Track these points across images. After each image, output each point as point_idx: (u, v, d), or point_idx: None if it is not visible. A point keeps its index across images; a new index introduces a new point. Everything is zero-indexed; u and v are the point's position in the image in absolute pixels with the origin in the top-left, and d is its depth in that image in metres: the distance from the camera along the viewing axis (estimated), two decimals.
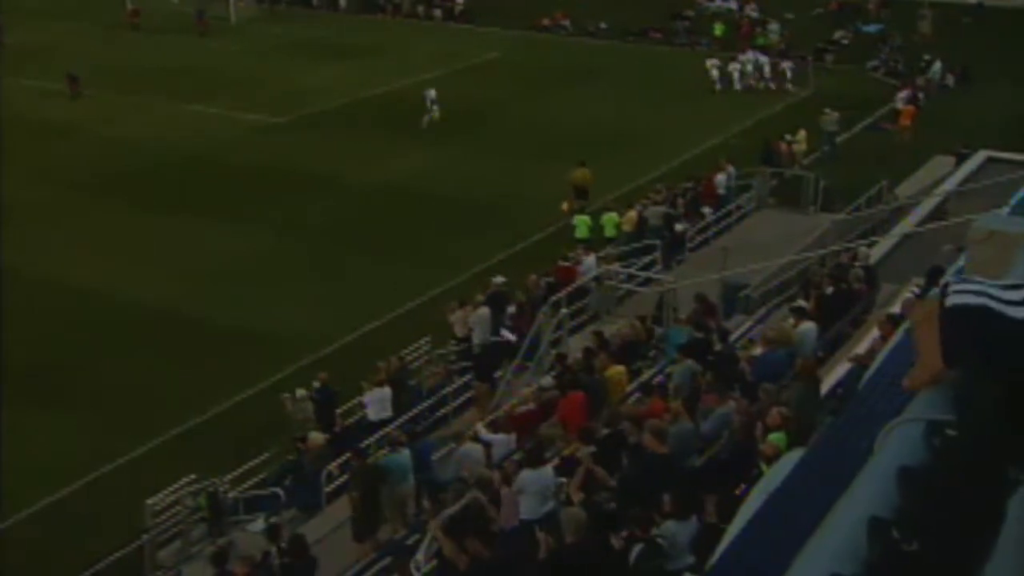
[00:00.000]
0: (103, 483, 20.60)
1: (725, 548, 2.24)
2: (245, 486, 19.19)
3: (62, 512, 19.81)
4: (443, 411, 20.93)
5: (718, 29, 56.81)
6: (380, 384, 20.35)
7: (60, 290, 28.34)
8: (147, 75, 49.94)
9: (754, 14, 60.81)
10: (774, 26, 56.60)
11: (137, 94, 46.86)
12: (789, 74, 48.73)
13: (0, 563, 18.50)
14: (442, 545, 12.22)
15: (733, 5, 63.43)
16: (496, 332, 22.83)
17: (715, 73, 48.03)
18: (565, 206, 31.97)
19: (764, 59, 49.90)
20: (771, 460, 9.81)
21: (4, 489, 20.20)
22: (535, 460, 13.08)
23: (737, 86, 48.38)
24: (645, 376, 18.90)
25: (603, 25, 60.10)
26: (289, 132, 42.76)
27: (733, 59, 49.70)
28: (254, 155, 39.62)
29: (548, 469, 13.07)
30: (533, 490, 12.50)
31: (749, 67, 49.20)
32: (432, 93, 43.47)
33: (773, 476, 2.47)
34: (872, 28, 57.71)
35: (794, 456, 2.55)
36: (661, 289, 22.92)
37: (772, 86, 48.61)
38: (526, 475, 12.81)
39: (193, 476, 18.87)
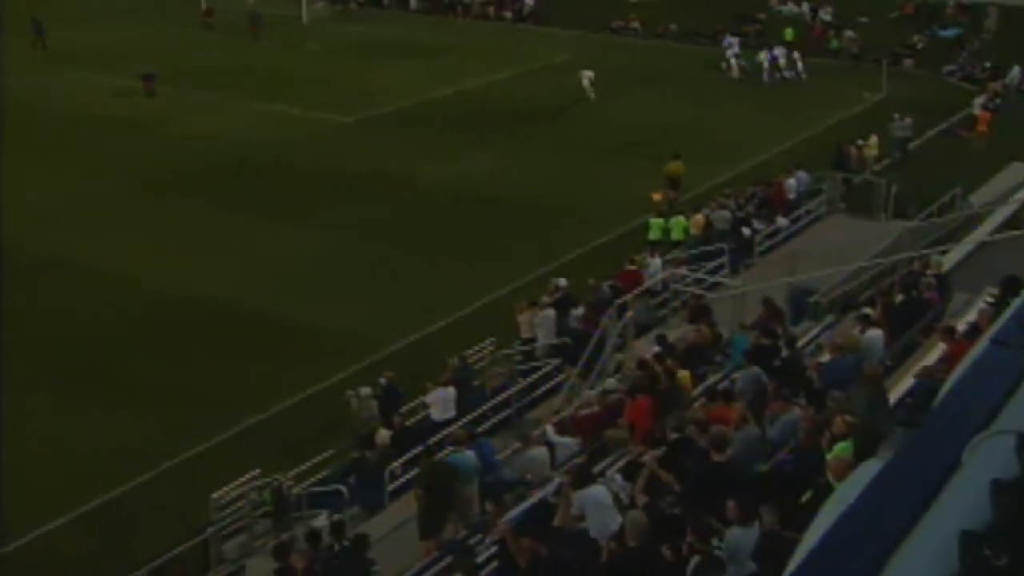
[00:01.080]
0: (169, 477, 20.86)
1: (802, 560, 2.19)
2: (309, 482, 19.31)
3: (129, 504, 20.08)
4: (507, 412, 20.89)
5: (789, 33, 56.24)
6: (444, 384, 20.39)
7: (126, 286, 28.76)
8: (220, 74, 50.62)
9: (827, 17, 60.12)
10: (849, 33, 55.90)
11: (210, 92, 47.48)
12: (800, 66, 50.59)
13: (68, 554, 18.83)
14: (510, 544, 12.19)
15: (806, 9, 62.75)
16: (561, 334, 22.80)
17: (586, 84, 48.12)
18: (658, 196, 32.46)
19: (781, 51, 51.36)
20: (837, 471, 9.64)
21: (72, 481, 20.62)
22: (585, 479, 12.74)
23: (765, 79, 50.22)
24: (710, 381, 18.73)
25: (673, 27, 59.78)
26: (358, 132, 43.04)
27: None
28: (323, 154, 39.94)
29: (601, 489, 12.74)
30: (593, 511, 12.23)
31: (765, 60, 50.95)
32: (589, 74, 47.06)
33: (849, 488, 2.42)
34: (949, 32, 56.79)
35: (870, 468, 2.49)
36: (726, 294, 22.73)
37: (788, 75, 50.31)
38: (580, 496, 12.50)
39: (258, 471, 19.02)
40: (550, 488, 12.96)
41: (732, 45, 52.97)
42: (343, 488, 18.62)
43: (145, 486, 20.59)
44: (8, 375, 24.33)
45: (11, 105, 44.80)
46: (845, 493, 2.44)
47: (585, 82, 47.41)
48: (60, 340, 25.97)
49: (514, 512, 12.77)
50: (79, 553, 18.82)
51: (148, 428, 22.54)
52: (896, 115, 38.29)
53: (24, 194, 35.30)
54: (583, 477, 12.68)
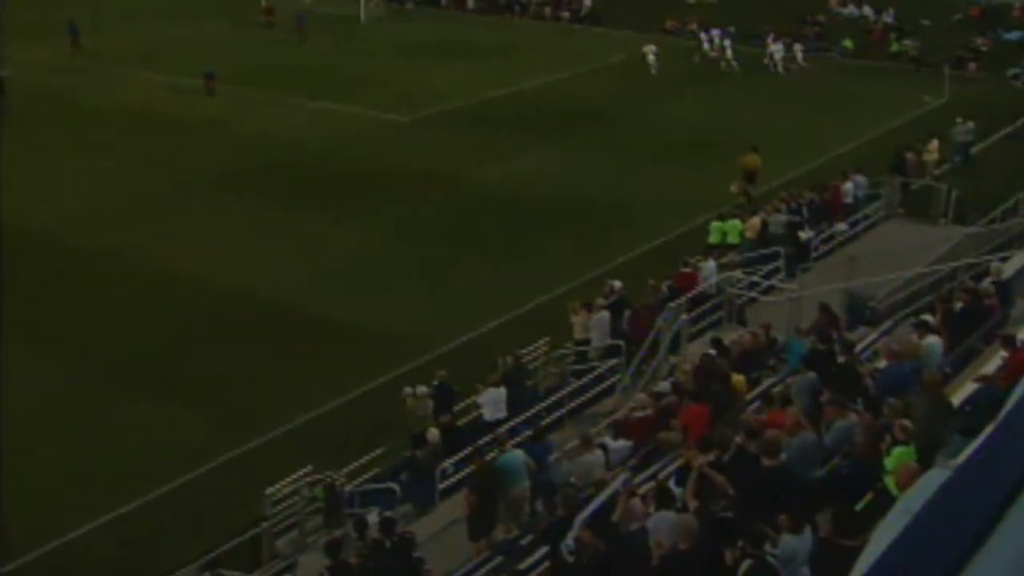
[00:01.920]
0: (224, 471, 21.05)
1: (868, 569, 2.15)
2: (361, 480, 19.39)
3: (183, 498, 20.29)
4: (560, 412, 20.84)
5: (849, 43, 55.75)
6: (495, 384, 20.39)
7: (183, 282, 29.05)
8: (278, 72, 51.02)
9: (889, 20, 59.42)
10: (908, 40, 55.22)
11: (268, 91, 47.85)
12: (780, 56, 53.14)
13: (123, 546, 19.06)
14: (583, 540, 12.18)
15: (867, 11, 62.03)
16: (615, 336, 22.72)
17: (651, 59, 52.27)
18: (734, 187, 33.16)
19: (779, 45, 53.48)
20: (902, 479, 9.50)
21: (128, 474, 20.86)
22: (666, 501, 12.60)
23: (779, 69, 52.64)
24: (765, 385, 18.58)
25: (732, 29, 59.36)
26: (413, 131, 43.19)
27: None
28: (379, 153, 40.13)
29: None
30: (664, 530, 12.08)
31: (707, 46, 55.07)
32: (653, 48, 50.94)
33: (914, 497, 2.37)
34: (1014, 35, 55.90)
35: (935, 477, 2.44)
36: (782, 297, 22.53)
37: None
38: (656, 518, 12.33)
39: (311, 467, 19.14)
40: (615, 485, 12.90)
41: (775, 43, 53.95)
42: (395, 486, 18.68)
43: (199, 480, 20.79)
44: (64, 370, 24.73)
45: (72, 103, 45.58)
46: (909, 503, 2.39)
47: (650, 57, 50.65)
48: (117, 336, 26.27)
49: (590, 509, 12.73)
50: (134, 546, 19.03)
51: (203, 423, 22.77)
52: (959, 119, 37.77)
53: (83, 190, 35.86)
54: (664, 498, 12.52)
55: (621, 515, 12.13)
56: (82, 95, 46.65)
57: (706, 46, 55.89)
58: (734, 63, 53.82)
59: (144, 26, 60.48)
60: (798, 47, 53.87)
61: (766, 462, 11.88)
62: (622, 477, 13.18)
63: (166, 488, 20.47)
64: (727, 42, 55.18)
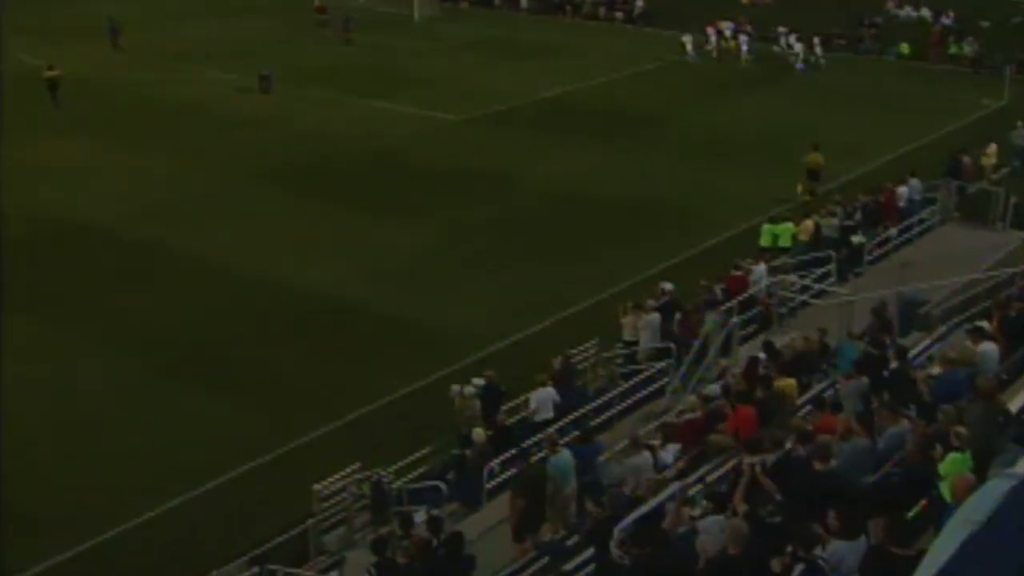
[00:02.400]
0: (274, 466, 21.23)
1: None
2: (409, 477, 19.45)
3: (232, 493, 20.47)
4: (609, 414, 20.77)
5: (905, 48, 55.13)
6: (544, 384, 20.36)
7: (237, 277, 29.39)
8: (332, 71, 51.36)
9: (948, 22, 58.63)
10: (967, 46, 54.48)
11: (322, 89, 48.17)
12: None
13: (172, 540, 19.25)
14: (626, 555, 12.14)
15: (926, 13, 61.23)
16: (665, 338, 22.61)
17: (688, 47, 54.94)
18: (800, 188, 33.86)
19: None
20: (959, 490, 9.34)
21: (177, 468, 21.07)
22: (720, 506, 12.52)
23: (799, 65, 53.37)
24: (816, 390, 18.41)
25: (784, 30, 58.86)
26: (466, 131, 43.26)
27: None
28: (431, 152, 40.24)
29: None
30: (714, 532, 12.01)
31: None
32: (690, 38, 53.77)
33: (974, 506, 2.32)
34: None
35: (996, 487, 2.39)
36: (834, 302, 22.30)
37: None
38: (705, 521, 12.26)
39: (359, 464, 19.23)
40: (666, 494, 12.78)
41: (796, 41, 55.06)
42: (441, 485, 18.71)
43: (248, 475, 20.97)
44: (118, 363, 25.03)
45: (128, 99, 46.15)
46: (970, 513, 2.35)
47: (688, 46, 52.56)
48: (172, 330, 26.58)
49: (630, 518, 12.65)
50: (182, 540, 19.22)
51: (253, 418, 22.97)
52: (1019, 123, 37.17)
53: (140, 186, 36.28)
54: (721, 505, 12.43)
55: (671, 524, 12.03)
56: (137, 92, 47.21)
57: (713, 40, 56.60)
58: (748, 57, 54.67)
59: (199, 24, 61.12)
60: (816, 41, 54.33)
61: (818, 466, 11.76)
62: (675, 486, 13.05)
63: (217, 481, 20.67)
64: (743, 37, 55.84)
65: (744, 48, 55.31)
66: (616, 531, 12.47)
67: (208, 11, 64.46)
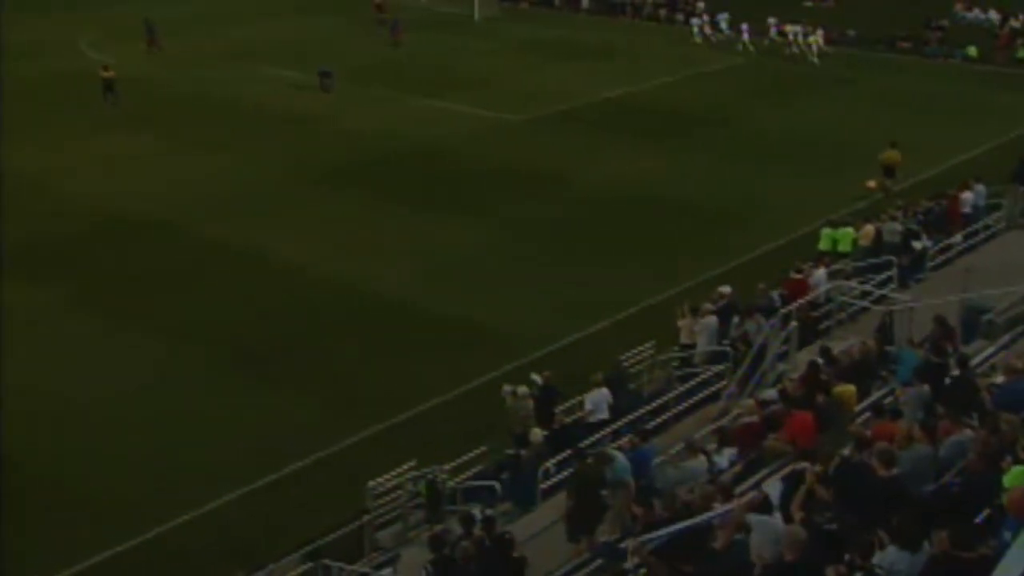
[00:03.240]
0: (329, 462, 21.38)
1: None
2: (463, 476, 19.49)
3: (289, 487, 20.65)
4: (663, 417, 20.68)
5: (972, 50, 54.34)
6: (599, 385, 20.31)
7: (293, 273, 29.65)
8: (393, 70, 51.66)
9: (1017, 24, 57.72)
10: None
11: (380, 88, 48.46)
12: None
13: (228, 532, 19.47)
14: (648, 567, 12.02)
15: (994, 16, 60.34)
16: (722, 342, 22.48)
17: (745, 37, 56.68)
18: (872, 184, 34.04)
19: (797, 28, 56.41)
20: (1009, 500, 9.22)
21: (234, 461, 21.29)
22: (764, 508, 12.37)
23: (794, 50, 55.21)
24: (875, 397, 18.19)
25: (850, 32, 58.32)
26: (524, 131, 43.29)
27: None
28: (489, 152, 40.34)
29: (777, 518, 12.37)
30: (765, 538, 11.86)
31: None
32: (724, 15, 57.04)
33: None
34: None
35: None
36: (892, 308, 22.00)
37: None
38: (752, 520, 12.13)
39: (414, 462, 19.31)
40: (715, 513, 12.60)
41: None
42: (496, 484, 18.73)
43: (304, 470, 21.14)
44: (179, 356, 25.35)
45: (191, 96, 46.70)
46: None
47: (695, 29, 56.85)
48: (232, 325, 26.87)
49: (659, 533, 12.52)
50: (238, 532, 19.42)
51: (309, 414, 23.16)
52: None
53: (201, 183, 36.69)
54: (763, 506, 12.31)
55: (723, 545, 11.88)
56: (198, 89, 47.77)
57: (696, 31, 59.55)
58: (748, 47, 56.77)
59: (261, 23, 61.69)
60: (820, 32, 55.77)
61: (882, 472, 11.61)
62: (725, 509, 12.84)
63: (274, 475, 20.87)
64: (744, 26, 57.96)
65: (745, 36, 57.28)
66: (643, 540, 12.32)
67: (271, 10, 65.07)
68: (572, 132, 42.88)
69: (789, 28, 56.86)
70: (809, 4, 65.22)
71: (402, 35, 57.61)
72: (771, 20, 58.27)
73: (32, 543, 18.98)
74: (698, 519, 12.45)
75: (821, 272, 24.63)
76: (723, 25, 60.35)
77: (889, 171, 34.66)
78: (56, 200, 34.58)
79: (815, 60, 54.66)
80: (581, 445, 18.26)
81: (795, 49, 55.54)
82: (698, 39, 59.27)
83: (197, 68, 51.60)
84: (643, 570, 12.29)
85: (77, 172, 37.14)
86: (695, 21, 60.80)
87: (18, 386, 23.63)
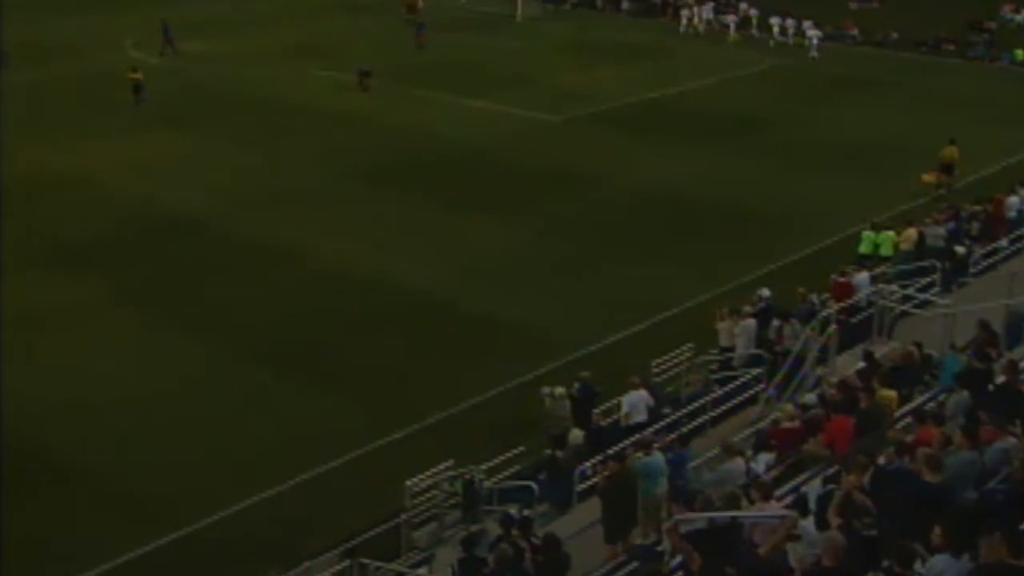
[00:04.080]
0: (366, 460, 21.41)
1: None
2: (500, 477, 19.48)
3: (327, 485, 20.70)
4: (701, 419, 20.58)
5: (1020, 53, 53.72)
6: (636, 387, 20.23)
7: (335, 273, 29.70)
8: (431, 69, 51.70)
9: None
10: None
11: (420, 88, 48.48)
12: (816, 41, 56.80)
13: (265, 528, 19.53)
14: (675, 548, 11.90)
15: None
16: (760, 345, 22.34)
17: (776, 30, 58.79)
18: (930, 178, 34.64)
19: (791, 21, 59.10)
20: None
21: (272, 458, 21.38)
22: (802, 511, 12.24)
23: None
24: (916, 402, 18.01)
25: (894, 35, 57.83)
26: (565, 131, 43.26)
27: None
28: (528, 152, 40.31)
29: (812, 522, 12.23)
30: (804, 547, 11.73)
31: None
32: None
33: None
34: None
35: None
36: (937, 312, 21.78)
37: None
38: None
39: (451, 462, 19.31)
40: (761, 514, 12.47)
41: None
42: (533, 485, 18.71)
43: (341, 468, 21.18)
44: (216, 356, 25.47)
45: (233, 95, 46.99)
46: None
47: (683, 20, 59.58)
48: (270, 324, 26.95)
49: (696, 516, 12.42)
50: (277, 529, 19.49)
51: (347, 412, 23.20)
52: None
53: (239, 181, 36.88)
54: (802, 508, 12.20)
55: (768, 552, 11.78)
56: (240, 88, 48.03)
57: (685, 22, 62.30)
58: (735, 36, 60.36)
59: (302, 23, 61.91)
60: (807, 25, 58.00)
61: (928, 477, 11.47)
62: (770, 511, 12.70)
63: (311, 474, 20.93)
64: (731, 17, 61.38)
65: (732, 28, 60.84)
66: (676, 520, 12.22)
67: (311, 9, 65.35)
68: (612, 133, 42.79)
69: (775, 20, 59.39)
70: (854, 6, 64.72)
71: (426, 38, 56.89)
72: (752, 11, 61.54)
73: (67, 538, 19.12)
74: (740, 514, 12.36)
75: (864, 276, 24.46)
76: (708, 15, 63.02)
77: (948, 168, 34.65)
78: (97, 198, 34.84)
79: (815, 55, 55.71)
80: (619, 447, 18.21)
81: (785, 39, 58.19)
82: (689, 31, 61.93)
83: (237, 67, 51.86)
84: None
85: (117, 170, 37.41)
86: (685, 13, 63.33)
87: (54, 382, 23.94)
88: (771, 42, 58.11)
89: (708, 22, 62.79)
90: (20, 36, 55.44)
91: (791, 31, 58.74)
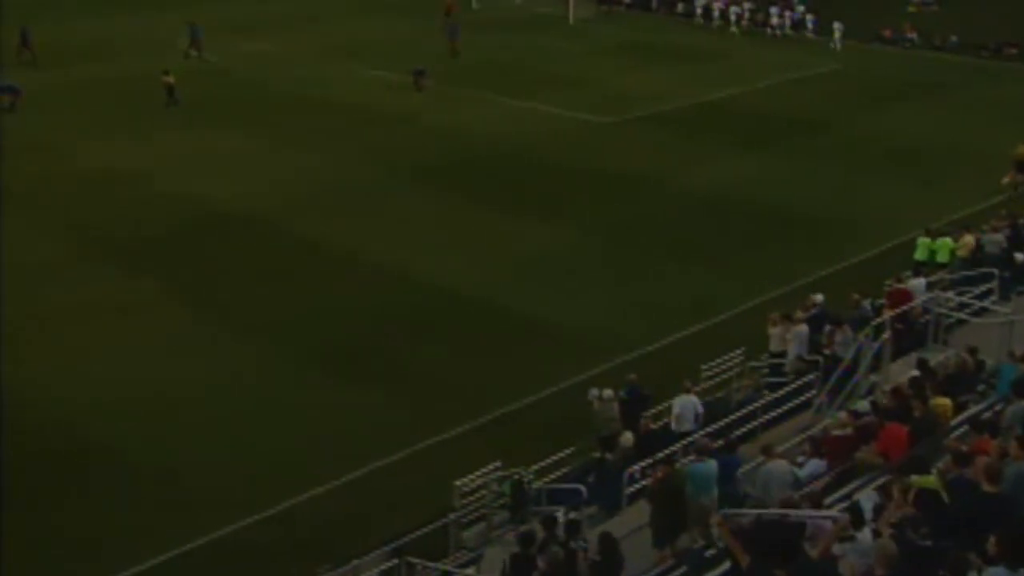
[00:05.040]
0: (414, 461, 21.44)
1: None
2: (549, 478, 19.46)
3: (372, 484, 20.77)
4: (752, 425, 20.44)
5: None
6: (687, 391, 20.13)
7: (383, 272, 29.80)
8: (483, 70, 51.81)
9: None
10: None
11: (471, 88, 48.61)
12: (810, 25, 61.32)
13: (312, 526, 19.64)
14: (727, 541, 11.80)
15: None
16: (813, 351, 22.15)
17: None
18: (1006, 179, 34.13)
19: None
20: None
21: (323, 456, 21.50)
22: (856, 521, 12.08)
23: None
24: (972, 411, 17.75)
25: (954, 39, 57.11)
26: (614, 133, 43.15)
27: None
28: (577, 153, 40.25)
29: (867, 533, 12.08)
30: (853, 555, 11.60)
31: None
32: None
33: None
34: None
35: None
36: (995, 320, 21.47)
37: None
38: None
39: (500, 463, 19.31)
40: (811, 514, 12.36)
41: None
42: (582, 487, 18.67)
43: (390, 467, 21.24)
44: (264, 353, 25.64)
45: (286, 94, 47.33)
46: None
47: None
48: (318, 322, 27.08)
49: (748, 512, 12.34)
50: (325, 527, 19.59)
51: (396, 411, 23.28)
52: None
53: (289, 180, 37.12)
54: (856, 518, 12.05)
55: (821, 554, 11.66)
56: (295, 89, 48.36)
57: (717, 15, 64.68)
58: (734, 29, 62.90)
59: (353, 23, 62.25)
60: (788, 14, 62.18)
61: (987, 488, 11.29)
62: (822, 514, 12.57)
63: (359, 472, 21.00)
64: (733, 9, 63.95)
65: (733, 19, 63.59)
66: (727, 514, 12.11)
67: (364, 9, 65.72)
68: (663, 135, 42.62)
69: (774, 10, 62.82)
70: (912, 9, 64.04)
71: (459, 43, 55.40)
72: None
73: (117, 533, 19.32)
74: (790, 512, 12.26)
75: (920, 282, 24.16)
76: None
77: (1021, 167, 34.22)
78: (152, 196, 35.18)
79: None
80: (669, 450, 18.13)
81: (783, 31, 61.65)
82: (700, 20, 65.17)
83: (288, 66, 52.26)
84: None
85: (172, 168, 37.78)
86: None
87: (109, 377, 24.22)
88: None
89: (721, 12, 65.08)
90: (82, 34, 56.58)
91: (787, 23, 62.46)
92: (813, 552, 11.10)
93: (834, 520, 11.76)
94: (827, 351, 21.74)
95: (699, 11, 65.96)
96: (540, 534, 15.17)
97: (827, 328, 22.55)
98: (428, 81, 48.26)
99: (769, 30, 62.49)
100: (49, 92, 45.91)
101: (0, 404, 19.64)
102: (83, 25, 59.27)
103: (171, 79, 45.19)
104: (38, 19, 54.49)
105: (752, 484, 16.14)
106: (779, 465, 15.84)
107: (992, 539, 9.78)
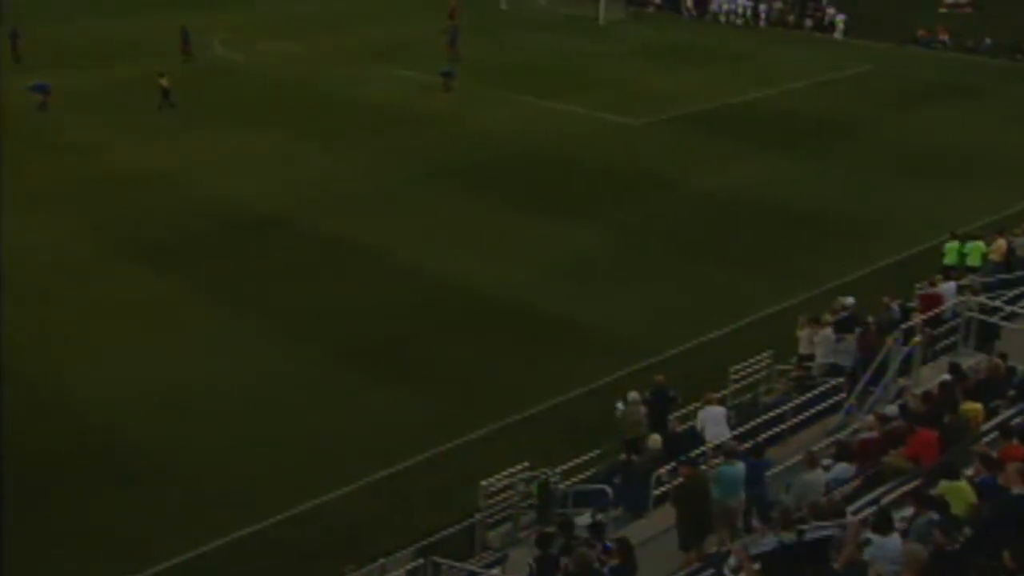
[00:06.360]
0: (441, 460, 21.49)
1: None
2: (575, 479, 19.43)
3: (399, 483, 20.82)
4: (780, 428, 20.31)
5: None
6: (710, 402, 19.88)
7: (411, 272, 29.90)
8: (512, 71, 51.79)
9: None
10: None
11: (500, 90, 48.61)
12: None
13: (339, 525, 19.70)
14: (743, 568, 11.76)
15: None
16: (841, 355, 21.99)
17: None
18: None
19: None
20: None
21: (350, 455, 21.55)
22: (884, 527, 11.96)
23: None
24: (1003, 416, 17.59)
25: (988, 41, 56.64)
26: (644, 134, 43.05)
27: None
28: (606, 155, 40.18)
29: (896, 538, 11.97)
30: (882, 561, 11.49)
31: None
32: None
33: None
34: None
35: None
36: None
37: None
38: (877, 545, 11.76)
39: (527, 464, 19.29)
40: (831, 523, 12.27)
41: None
42: (608, 489, 18.62)
43: (417, 467, 21.28)
44: (294, 351, 25.75)
45: (314, 96, 47.46)
46: None
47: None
48: (348, 321, 27.18)
49: (765, 540, 12.24)
50: (351, 526, 19.65)
51: (423, 411, 23.30)
52: None
53: (320, 180, 37.26)
54: (884, 523, 11.95)
55: (845, 561, 11.58)
56: (325, 89, 48.55)
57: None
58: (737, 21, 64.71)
59: (381, 24, 62.33)
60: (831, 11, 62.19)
61: (1017, 491, 11.20)
62: (845, 522, 12.48)
63: (386, 471, 21.06)
64: (762, 8, 65.28)
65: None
66: (746, 542, 12.04)
67: (394, 11, 65.79)
68: (693, 137, 42.48)
69: None
70: (944, 10, 63.59)
71: (458, 49, 54.38)
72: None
73: (149, 530, 19.46)
74: (811, 533, 12.16)
75: (951, 285, 23.96)
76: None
77: None
78: (183, 195, 35.41)
79: (839, 37, 60.53)
80: (695, 453, 18.05)
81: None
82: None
83: (318, 67, 52.41)
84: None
85: (204, 168, 38.00)
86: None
87: (137, 376, 24.39)
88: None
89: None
90: (117, 34, 56.95)
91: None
92: (836, 564, 11.05)
93: (848, 527, 11.70)
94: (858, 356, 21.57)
95: (725, 8, 66.53)
96: (558, 537, 15.15)
97: (856, 331, 22.40)
98: (456, 82, 48.28)
99: (800, 29, 62.24)
100: (81, 94, 46.23)
101: (0, 405, 19.88)
102: (120, 25, 59.66)
103: (165, 82, 45.25)
104: (74, 20, 54.75)
105: (786, 491, 16.01)
106: (818, 476, 15.71)
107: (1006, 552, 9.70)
